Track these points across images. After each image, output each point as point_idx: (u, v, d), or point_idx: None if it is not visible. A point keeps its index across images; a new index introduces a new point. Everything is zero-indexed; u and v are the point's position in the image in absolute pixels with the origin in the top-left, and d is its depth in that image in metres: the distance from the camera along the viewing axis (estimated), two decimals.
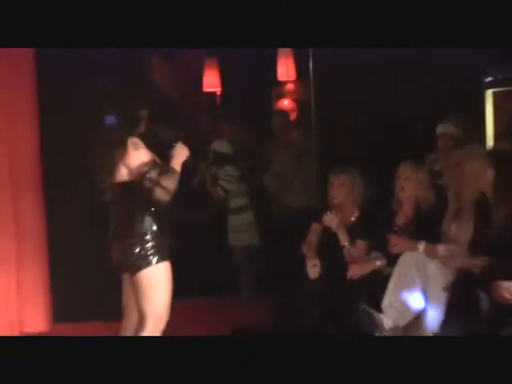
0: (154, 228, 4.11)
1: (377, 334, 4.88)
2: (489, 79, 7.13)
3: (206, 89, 7.36)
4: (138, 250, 4.08)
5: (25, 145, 5.75)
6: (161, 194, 4.06)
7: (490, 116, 7.15)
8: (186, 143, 4.27)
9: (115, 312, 4.36)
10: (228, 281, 6.82)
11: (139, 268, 4.07)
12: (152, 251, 4.08)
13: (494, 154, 4.99)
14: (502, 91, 7.17)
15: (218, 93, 7.41)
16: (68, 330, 5.58)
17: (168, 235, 4.19)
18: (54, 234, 5.75)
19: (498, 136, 6.57)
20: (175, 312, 4.22)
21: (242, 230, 6.88)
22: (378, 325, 4.81)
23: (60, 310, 5.70)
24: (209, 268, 6.56)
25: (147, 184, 4.05)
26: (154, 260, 4.08)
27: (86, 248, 5.53)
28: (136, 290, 4.13)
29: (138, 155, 4.09)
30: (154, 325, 4.12)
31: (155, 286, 4.09)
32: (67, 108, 5.80)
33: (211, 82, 7.32)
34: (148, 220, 4.10)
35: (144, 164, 4.06)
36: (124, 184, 4.13)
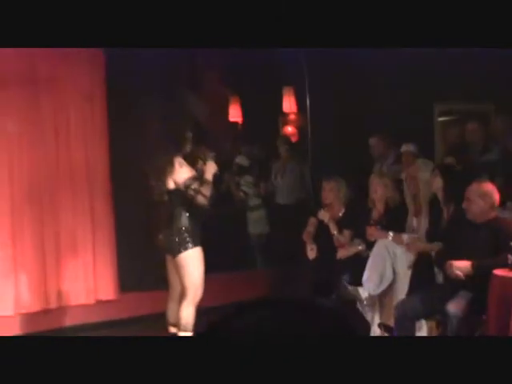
0: (189, 223, 4.09)
1: (358, 306, 4.84)
2: (438, 111, 7.13)
3: (231, 119, 7.32)
4: (176, 239, 4.07)
5: (98, 153, 5.60)
6: (202, 200, 4.07)
7: (439, 138, 7.13)
8: (216, 159, 4.27)
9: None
10: (246, 259, 6.76)
11: (179, 252, 4.07)
12: (187, 240, 4.07)
13: (441, 166, 4.95)
14: (447, 120, 7.17)
15: (240, 121, 7.37)
16: (132, 297, 5.57)
17: (200, 227, 4.19)
18: (120, 222, 5.67)
19: (444, 153, 6.52)
20: (209, 282, 4.22)
21: (257, 222, 6.79)
22: (353, 295, 4.75)
23: (126, 281, 5.65)
24: (233, 250, 6.47)
25: (191, 193, 4.05)
26: (189, 246, 4.07)
27: (145, 231, 5.39)
28: (177, 268, 4.12)
29: (182, 171, 4.08)
30: (194, 294, 4.11)
31: (191, 265, 4.08)
32: (131, 122, 5.66)
33: (235, 113, 7.28)
34: (184, 217, 4.09)
35: (188, 178, 4.05)
36: (170, 191, 4.12)
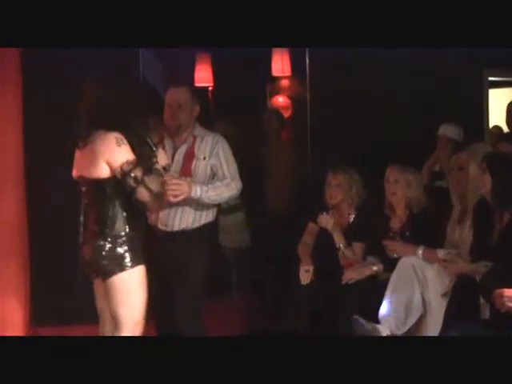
0: (128, 230, 4.04)
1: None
2: (488, 80, 7.32)
3: (198, 84, 7.22)
4: (110, 252, 4.00)
5: (9, 143, 5.70)
6: (144, 195, 4.05)
7: (489, 116, 7.25)
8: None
9: (95, 315, 4.31)
10: (217, 281, 6.69)
11: (113, 272, 4.00)
12: (126, 254, 4.02)
13: (492, 158, 4.88)
14: (500, 91, 7.32)
15: (210, 88, 7.31)
16: (49, 333, 5.48)
17: (142, 238, 4.23)
18: (36, 234, 5.71)
19: (497, 139, 6.56)
20: None
21: (232, 230, 6.75)
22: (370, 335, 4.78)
23: (41, 313, 5.68)
24: None
25: (131, 183, 3.99)
26: (129, 264, 4.01)
27: (66, 251, 5.32)
28: (110, 294, 4.06)
29: (121, 152, 4.01)
30: (131, 330, 4.06)
31: (131, 291, 4.05)
32: (50, 106, 5.75)
33: (203, 76, 7.21)
34: (123, 221, 4.05)
35: (128, 162, 4.00)
36: (102, 180, 4.04)
